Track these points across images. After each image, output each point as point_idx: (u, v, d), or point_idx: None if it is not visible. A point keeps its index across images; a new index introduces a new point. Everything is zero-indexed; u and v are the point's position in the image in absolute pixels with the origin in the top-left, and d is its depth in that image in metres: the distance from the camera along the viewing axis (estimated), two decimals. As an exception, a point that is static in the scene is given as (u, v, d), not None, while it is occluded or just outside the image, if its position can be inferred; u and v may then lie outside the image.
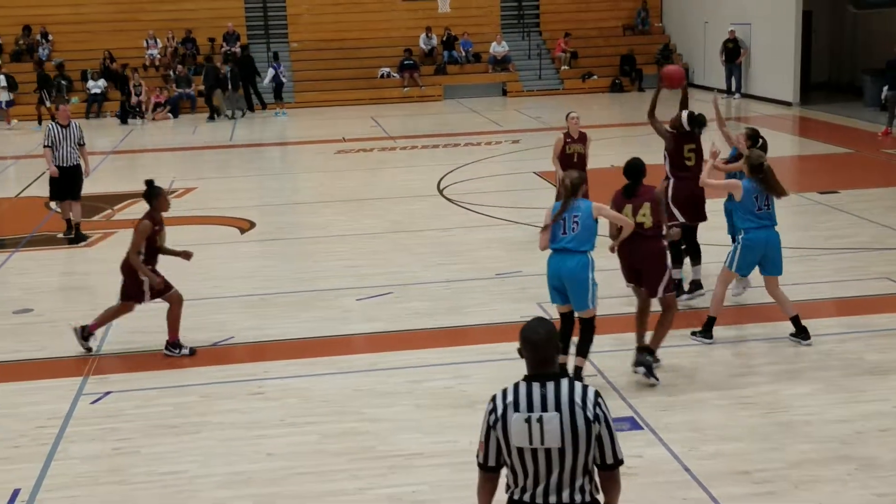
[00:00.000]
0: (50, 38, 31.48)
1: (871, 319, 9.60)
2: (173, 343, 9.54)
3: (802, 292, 10.17)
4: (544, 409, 4.20)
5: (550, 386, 4.24)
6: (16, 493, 6.92)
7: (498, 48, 32.33)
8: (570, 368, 8.12)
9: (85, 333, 9.69)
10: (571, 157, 12.64)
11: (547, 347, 4.28)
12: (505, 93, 31.89)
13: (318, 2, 32.79)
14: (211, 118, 28.16)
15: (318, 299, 11.19)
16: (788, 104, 26.64)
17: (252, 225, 15.03)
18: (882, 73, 22.16)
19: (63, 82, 29.08)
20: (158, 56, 31.23)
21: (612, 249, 8.54)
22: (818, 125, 23.85)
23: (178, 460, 7.35)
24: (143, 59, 31.07)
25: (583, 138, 12.82)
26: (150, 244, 9.48)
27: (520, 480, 4.31)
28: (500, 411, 4.27)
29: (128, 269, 9.54)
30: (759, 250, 8.92)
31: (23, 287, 12.14)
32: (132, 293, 9.56)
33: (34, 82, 29.45)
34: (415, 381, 8.47)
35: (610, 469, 4.31)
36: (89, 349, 9.63)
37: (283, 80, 29.49)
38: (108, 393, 8.66)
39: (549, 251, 8.13)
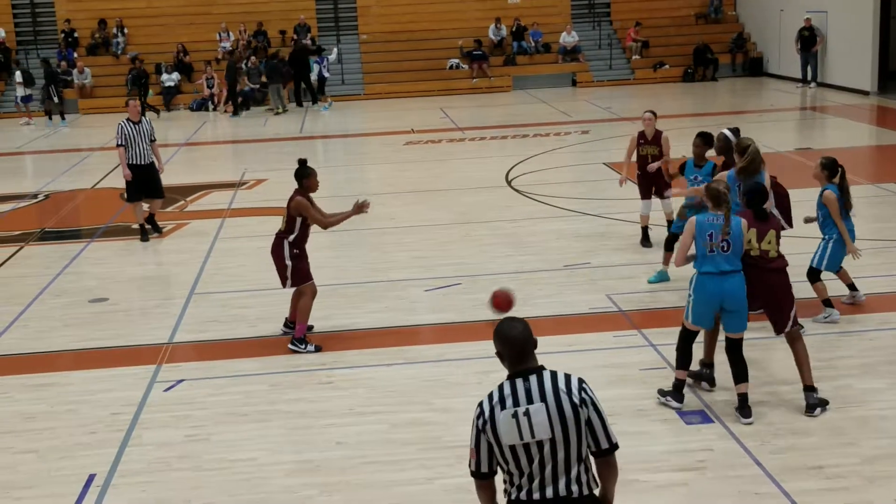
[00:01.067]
0: (126, 31, 32.04)
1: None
2: (300, 339, 9.42)
3: (881, 285, 9.95)
4: (530, 401, 4.19)
5: (533, 379, 4.24)
6: (91, 478, 7.08)
7: (568, 38, 32.11)
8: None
9: (298, 340, 9.43)
10: (646, 158, 12.11)
11: (525, 342, 4.30)
12: (575, 83, 31.69)
13: (388, -7, 32.93)
14: (236, 113, 28.20)
15: (387, 290, 11.24)
16: (866, 93, 26.06)
17: (322, 216, 15.10)
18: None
19: (140, 78, 29.45)
20: (231, 49, 31.60)
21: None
22: (897, 114, 23.31)
23: (248, 448, 7.44)
24: (215, 51, 31.47)
25: (657, 139, 12.11)
26: (303, 225, 9.53)
27: (515, 479, 4.29)
28: (487, 413, 4.26)
29: (282, 253, 9.48)
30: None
31: (98, 276, 12.38)
32: (303, 273, 9.51)
33: (112, 75, 30.10)
34: (483, 371, 8.46)
35: (605, 454, 4.30)
36: (318, 348, 9.40)
37: (327, 74, 29.59)
38: (180, 381, 8.80)
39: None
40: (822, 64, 28.41)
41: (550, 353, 8.89)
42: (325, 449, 7.37)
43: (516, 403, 4.21)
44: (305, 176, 9.55)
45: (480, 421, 4.29)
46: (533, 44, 32.51)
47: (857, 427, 7.23)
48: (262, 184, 17.95)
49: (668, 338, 9.13)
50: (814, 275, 9.42)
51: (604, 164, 17.90)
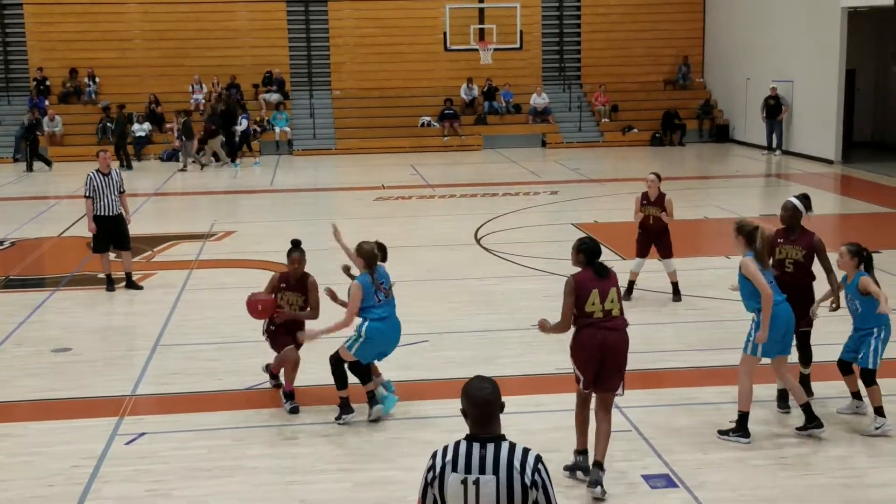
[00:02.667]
0: (97, 80, 32.06)
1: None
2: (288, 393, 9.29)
3: (837, 354, 10.02)
4: (482, 471, 4.14)
5: (490, 448, 4.18)
6: (48, 531, 6.94)
7: (538, 100, 32.50)
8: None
9: (288, 400, 9.27)
10: (647, 218, 12.57)
11: (491, 405, 4.25)
12: (544, 144, 32.01)
13: (361, 51, 33.19)
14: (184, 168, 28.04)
15: (354, 346, 11.16)
16: (830, 162, 26.49)
17: (290, 270, 15.07)
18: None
19: (109, 125, 29.54)
20: (203, 101, 31.68)
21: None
22: (860, 184, 23.70)
23: (211, 504, 7.34)
24: (188, 103, 31.53)
25: (660, 200, 12.45)
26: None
27: None
28: (437, 469, 4.22)
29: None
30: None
31: (62, 326, 12.25)
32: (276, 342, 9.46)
33: (83, 123, 30.08)
34: (449, 431, 8.41)
35: None
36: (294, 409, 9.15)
37: (251, 130, 29.74)
38: (142, 434, 8.69)
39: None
40: (787, 132, 28.89)
41: (517, 412, 8.88)
42: (287, 507, 7.28)
43: (468, 470, 4.17)
44: (287, 256, 9.54)
45: (430, 475, 4.25)
46: (504, 104, 32.87)
47: (821, 494, 7.24)
48: (230, 235, 17.91)
49: (634, 400, 9.16)
50: (870, 377, 8.42)
51: (572, 224, 18.02)
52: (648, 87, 34.02)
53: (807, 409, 8.23)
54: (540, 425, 8.64)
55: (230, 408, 9.35)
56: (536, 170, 26.70)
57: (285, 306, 9.53)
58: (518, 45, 29.51)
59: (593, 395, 7.55)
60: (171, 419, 9.09)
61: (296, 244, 9.63)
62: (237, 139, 29.32)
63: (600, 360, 7.37)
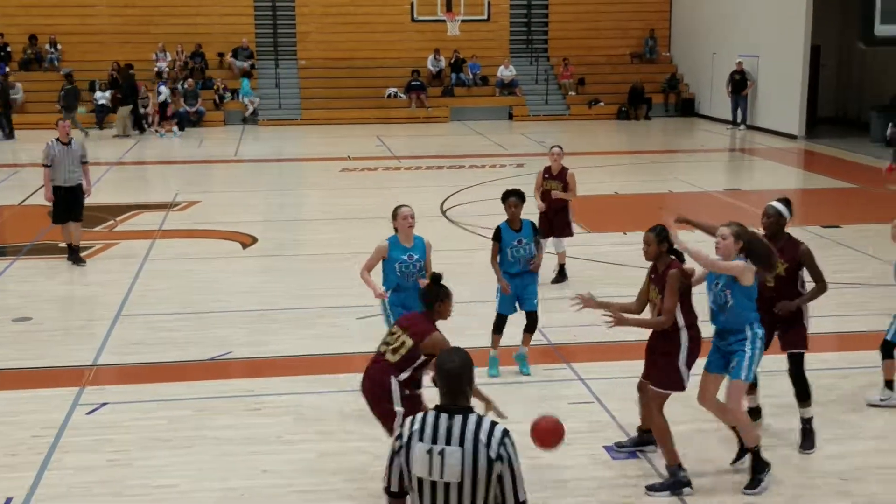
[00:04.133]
0: (59, 47, 31.58)
1: (873, 355, 9.55)
2: None
3: (820, 326, 10.13)
4: (448, 442, 4.16)
5: (458, 419, 4.20)
6: (8, 502, 6.88)
7: (505, 72, 32.42)
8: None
9: None
10: (548, 193, 12.20)
11: (460, 377, 4.25)
12: (511, 117, 31.96)
13: (327, 21, 32.92)
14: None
15: (319, 317, 11.17)
16: (794, 137, 26.67)
17: (254, 240, 15.02)
18: (889, 109, 22.19)
19: (68, 88, 28.94)
20: (167, 69, 31.32)
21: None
22: (823, 159, 23.87)
23: (172, 474, 7.31)
24: (151, 71, 31.15)
25: (562, 175, 12.18)
26: (422, 364, 6.83)
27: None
28: (405, 438, 4.24)
29: (389, 393, 6.82)
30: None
31: (22, 295, 12.11)
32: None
33: (44, 91, 29.63)
34: (412, 402, 8.42)
35: None
36: None
37: (169, 101, 29.47)
38: (104, 404, 8.62)
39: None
40: (752, 107, 29.04)
41: (480, 385, 8.90)
42: (250, 477, 7.26)
43: (434, 440, 4.18)
44: (440, 299, 6.92)
45: (397, 444, 4.28)
46: (471, 76, 32.77)
47: (778, 466, 7.32)
48: (194, 206, 17.76)
49: (597, 372, 9.22)
50: (889, 349, 8.43)
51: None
52: (615, 61, 34.01)
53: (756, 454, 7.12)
54: (504, 397, 8.65)
55: (192, 378, 9.31)
56: (503, 142, 26.67)
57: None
58: (486, 17, 29.40)
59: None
60: (133, 389, 9.03)
61: (437, 278, 7.12)
62: (146, 110, 29.04)
63: None
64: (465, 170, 21.83)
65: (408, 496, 4.33)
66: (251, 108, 30.79)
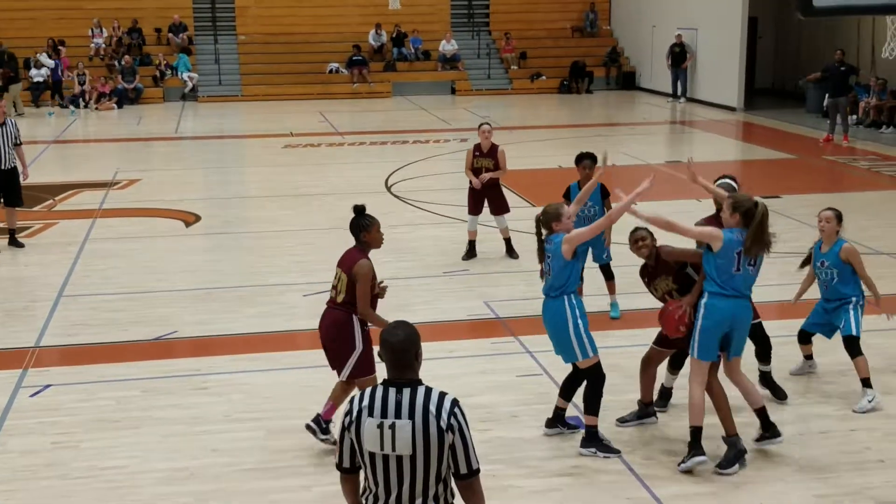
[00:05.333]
0: (-8, 23, 30.88)
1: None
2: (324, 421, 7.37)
3: (766, 294, 10.28)
4: (398, 416, 4.16)
5: (407, 392, 4.19)
6: (-49, 487, 6.79)
7: (447, 46, 32.34)
8: None
9: (323, 425, 7.32)
10: (479, 171, 12.01)
11: (405, 351, 4.24)
12: (454, 91, 31.91)
13: (267, -5, 32.56)
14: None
15: (264, 294, 11.11)
16: (733, 109, 26.98)
17: (197, 218, 14.88)
18: (824, 80, 22.53)
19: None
20: (104, 45, 30.79)
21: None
22: (762, 130, 24.20)
23: (119, 455, 7.25)
24: (88, 48, 30.60)
25: (492, 152, 11.99)
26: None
27: (372, 487, 4.28)
28: (354, 414, 4.24)
29: (351, 332, 7.05)
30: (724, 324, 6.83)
31: (-40, 277, 11.89)
32: (369, 363, 7.09)
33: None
34: (361, 377, 8.43)
35: (465, 479, 4.24)
36: (333, 442, 7.20)
37: (61, 77, 28.89)
38: (47, 386, 8.51)
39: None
40: (691, 80, 29.31)
41: (428, 359, 8.90)
42: (199, 456, 7.23)
43: (384, 415, 4.17)
44: (364, 229, 7.12)
45: (347, 419, 4.26)
46: (413, 50, 32.64)
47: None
48: (135, 184, 17.52)
49: (544, 344, 9.28)
50: (855, 346, 7.99)
51: (482, 172, 18.05)
52: (556, 35, 34.09)
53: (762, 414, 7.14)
54: (452, 370, 8.71)
55: (137, 358, 9.21)
56: (446, 117, 26.64)
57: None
58: (426, -9, 29.29)
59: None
60: (77, 371, 8.92)
61: (360, 210, 7.21)
62: (83, 87, 28.55)
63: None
64: (408, 145, 21.79)
65: (360, 472, 4.34)
66: (190, 85, 30.40)
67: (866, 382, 7.89)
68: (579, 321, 7.04)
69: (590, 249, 9.89)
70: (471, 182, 12.13)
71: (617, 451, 7.11)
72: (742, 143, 23.23)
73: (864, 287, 8.10)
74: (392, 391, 4.20)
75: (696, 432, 6.87)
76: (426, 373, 8.62)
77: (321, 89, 30.92)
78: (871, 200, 15.77)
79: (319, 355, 9.13)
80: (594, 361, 7.12)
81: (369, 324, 7.07)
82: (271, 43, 32.03)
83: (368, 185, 17.15)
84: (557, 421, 7.47)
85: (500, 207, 12.24)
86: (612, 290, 10.26)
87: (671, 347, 7.46)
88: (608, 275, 10.25)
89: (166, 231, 14.27)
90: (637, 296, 10.67)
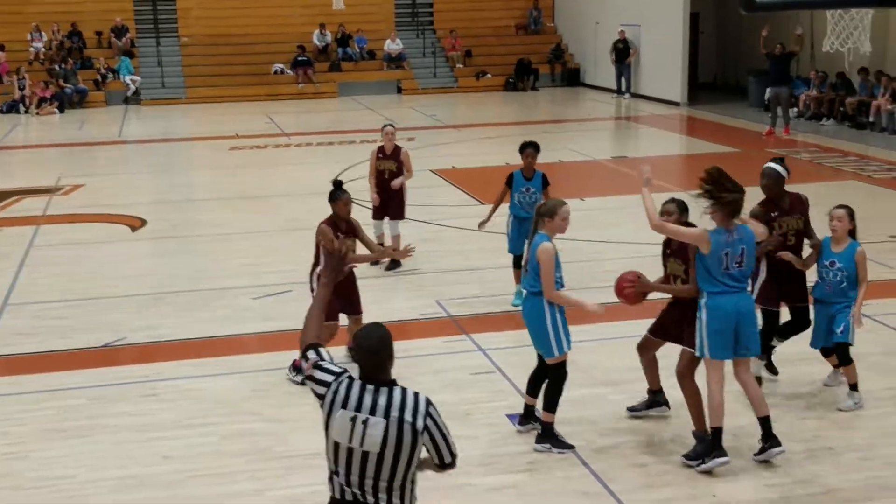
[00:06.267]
0: (-74, 28, 30.29)
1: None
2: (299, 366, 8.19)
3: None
4: (373, 413, 4.18)
5: (383, 391, 4.21)
6: None
7: (392, 45, 32.29)
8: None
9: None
10: (383, 173, 11.90)
11: (379, 354, 4.26)
12: (400, 90, 31.87)
13: (209, -4, 32.26)
14: None
15: (214, 298, 11.01)
16: (676, 104, 27.25)
17: (143, 223, 14.71)
18: (765, 74, 22.83)
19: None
20: (44, 50, 30.32)
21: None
22: (705, 124, 24.46)
23: (69, 464, 7.15)
24: (27, 52, 30.12)
25: (396, 154, 11.90)
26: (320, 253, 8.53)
27: (335, 478, 4.31)
28: (329, 399, 4.25)
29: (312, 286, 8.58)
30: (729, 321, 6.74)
31: None
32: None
33: None
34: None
35: (449, 467, 4.38)
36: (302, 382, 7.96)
37: None
38: (-7, 397, 8.38)
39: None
40: (635, 76, 29.55)
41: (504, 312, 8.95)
42: (150, 464, 7.15)
43: (359, 409, 4.19)
44: (332, 200, 8.73)
45: (328, 398, 4.25)
46: (358, 50, 32.55)
47: (676, 428, 7.52)
48: (78, 189, 17.28)
49: (497, 342, 9.32)
50: (847, 353, 7.82)
51: (430, 170, 18.07)
52: (501, 32, 34.19)
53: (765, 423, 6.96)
54: (405, 371, 8.68)
55: (86, 366, 9.09)
56: (392, 116, 26.52)
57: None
58: (370, -10, 29.21)
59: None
60: (25, 380, 8.78)
61: (339, 185, 8.86)
62: (23, 92, 27.99)
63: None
64: (355, 145, 21.71)
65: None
66: (133, 88, 30.03)
67: (854, 387, 7.80)
68: (557, 317, 7.06)
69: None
70: (377, 183, 11.89)
71: (571, 447, 7.15)
72: (686, 138, 23.49)
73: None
74: (369, 388, 4.22)
75: (716, 433, 6.79)
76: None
77: (266, 90, 30.71)
78: (812, 192, 15.95)
79: (271, 358, 9.12)
80: (562, 359, 7.14)
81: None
82: (215, 44, 31.75)
83: (317, 185, 17.03)
84: (530, 417, 7.51)
85: (398, 212, 12.05)
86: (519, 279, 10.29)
87: (663, 338, 7.41)
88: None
89: (112, 237, 14.09)
90: (587, 291, 10.77)
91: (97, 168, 20.17)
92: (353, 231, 8.71)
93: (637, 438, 7.33)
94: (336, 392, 4.25)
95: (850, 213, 7.80)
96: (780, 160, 8.10)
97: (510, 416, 7.72)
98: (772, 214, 7.89)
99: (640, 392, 7.86)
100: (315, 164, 19.53)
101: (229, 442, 7.46)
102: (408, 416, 4.18)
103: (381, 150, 12.02)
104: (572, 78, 33.11)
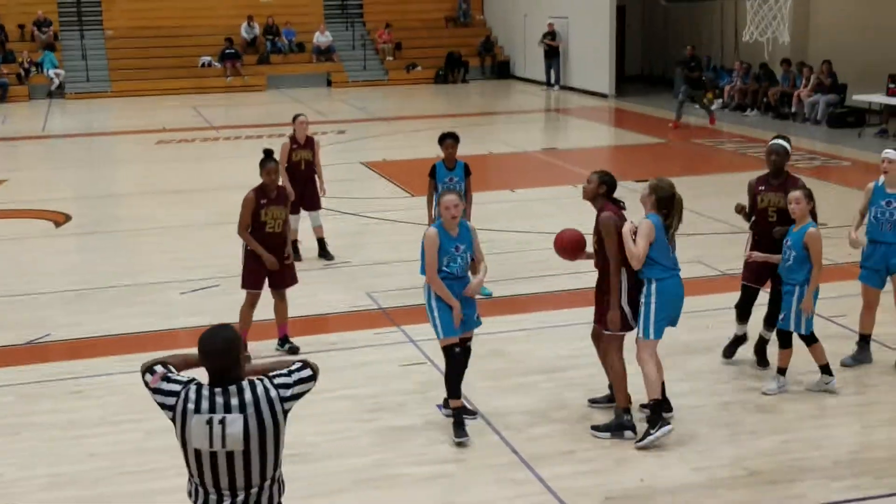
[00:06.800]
0: None
1: (686, 301, 10.03)
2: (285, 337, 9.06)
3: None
4: (227, 411, 4.08)
5: (233, 389, 4.12)
6: None
7: (322, 38, 32.12)
8: None
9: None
10: (299, 164, 11.63)
11: (222, 355, 4.16)
12: (330, 83, 31.72)
13: (134, -13, 31.75)
14: None
15: (140, 293, 10.87)
16: (605, 96, 27.53)
17: (68, 218, 14.46)
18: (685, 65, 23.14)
19: None
20: (-38, 42, 29.64)
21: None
22: (632, 116, 24.76)
23: (-4, 463, 7.02)
24: (-56, 44, 29.42)
25: (310, 143, 11.76)
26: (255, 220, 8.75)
27: (200, 490, 4.19)
28: (179, 409, 4.13)
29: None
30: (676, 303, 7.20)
31: None
32: (248, 278, 8.89)
33: None
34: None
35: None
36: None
37: None
38: (-86, 397, 8.18)
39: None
40: (564, 68, 29.77)
41: (312, 352, 8.90)
42: (77, 461, 7.04)
43: (213, 411, 4.08)
44: (260, 166, 8.93)
45: (178, 408, 4.12)
46: (286, 43, 32.31)
47: (602, 413, 7.61)
48: (1, 185, 16.92)
49: (428, 333, 9.32)
50: (788, 339, 7.82)
51: (360, 163, 18.03)
52: (431, 25, 34.21)
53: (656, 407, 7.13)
54: (336, 363, 8.68)
55: (10, 363, 8.92)
56: (323, 109, 26.47)
57: (270, 222, 8.80)
58: (298, -18, 29.02)
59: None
60: (-55, 380, 8.59)
61: (268, 153, 9.08)
62: None
63: None
64: (284, 138, 21.49)
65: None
66: (57, 82, 29.48)
67: (783, 371, 7.86)
68: (434, 302, 7.23)
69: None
70: (290, 174, 11.55)
71: (465, 435, 7.14)
72: (614, 129, 23.75)
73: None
74: (218, 391, 4.12)
75: (658, 405, 7.06)
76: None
77: (194, 83, 30.36)
78: (738, 181, 16.27)
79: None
80: (445, 343, 7.24)
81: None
82: (140, 37, 31.30)
83: (245, 178, 16.84)
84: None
85: (314, 203, 11.87)
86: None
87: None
88: None
89: (36, 232, 13.83)
90: (516, 281, 10.85)
91: (20, 163, 19.77)
92: (282, 200, 8.94)
93: (565, 427, 7.40)
94: (187, 398, 4.14)
95: (807, 195, 7.66)
96: (786, 138, 8.34)
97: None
98: (759, 188, 8.14)
99: (574, 380, 7.96)
100: (243, 158, 19.29)
101: (156, 437, 7.36)
102: (264, 407, 4.10)
103: (293, 140, 11.73)
104: (502, 70, 33.26)
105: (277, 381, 4.19)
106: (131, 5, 31.74)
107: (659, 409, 7.10)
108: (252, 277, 8.83)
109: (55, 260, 12.42)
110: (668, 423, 7.09)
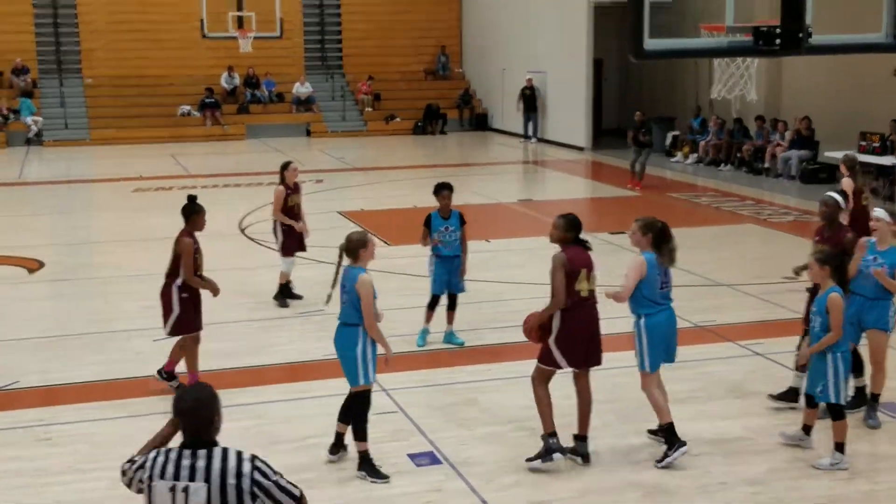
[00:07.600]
0: None
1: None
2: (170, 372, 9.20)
3: (602, 328, 10.55)
4: (192, 478, 4.06)
5: (202, 454, 4.10)
6: None
7: (301, 89, 32.32)
8: None
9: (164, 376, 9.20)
10: (293, 209, 12.22)
11: (195, 414, 4.16)
12: (309, 133, 31.87)
13: (114, 36, 31.86)
14: None
15: (111, 341, 10.82)
16: (581, 149, 27.75)
17: (41, 265, 14.39)
18: (663, 121, 23.38)
19: None
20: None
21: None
22: (608, 169, 24.94)
23: (-42, 512, 6.92)
24: (-77, 91, 29.40)
25: (298, 189, 12.44)
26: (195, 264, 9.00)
27: None
28: (146, 475, 4.15)
29: (170, 298, 8.94)
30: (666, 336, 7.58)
31: None
32: (186, 323, 9.02)
33: None
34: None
35: None
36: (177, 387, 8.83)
37: None
38: None
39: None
40: (542, 121, 30.03)
41: (282, 400, 8.87)
42: (42, 510, 6.96)
43: (177, 477, 4.07)
44: (195, 213, 9.16)
45: (142, 473, 4.15)
46: (266, 93, 32.49)
47: (657, 447, 7.60)
48: (-26, 231, 16.84)
49: (399, 381, 9.31)
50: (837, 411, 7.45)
51: (337, 212, 18.07)
52: (410, 77, 34.50)
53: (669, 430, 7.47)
54: (308, 411, 8.64)
55: (-23, 411, 8.82)
56: (301, 158, 26.44)
57: (202, 266, 9.24)
58: (278, 34, 29.14)
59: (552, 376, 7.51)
60: None
61: (192, 199, 9.51)
62: None
63: (591, 337, 7.49)
64: (263, 187, 21.56)
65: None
66: (35, 129, 29.47)
67: (840, 447, 7.41)
68: (368, 349, 7.35)
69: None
70: (292, 224, 12.14)
71: (385, 477, 7.29)
72: (590, 181, 23.91)
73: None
74: (187, 453, 4.10)
75: (670, 427, 7.39)
76: (279, 413, 8.57)
77: (173, 132, 30.42)
78: (712, 235, 16.45)
79: (169, 400, 8.95)
80: (366, 388, 7.39)
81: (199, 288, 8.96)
82: (120, 86, 31.40)
83: (222, 227, 16.92)
84: (339, 445, 7.67)
85: (303, 245, 12.49)
86: (450, 319, 10.56)
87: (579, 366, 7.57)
88: (453, 305, 10.53)
89: (8, 278, 13.75)
90: (488, 331, 10.86)
91: (-5, 209, 19.68)
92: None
93: (535, 477, 7.38)
94: (154, 463, 4.14)
95: (821, 260, 7.40)
96: (841, 192, 8.75)
97: (412, 456, 7.71)
98: (815, 238, 8.60)
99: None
100: (221, 206, 19.32)
101: (122, 486, 7.27)
102: (231, 479, 4.04)
103: (287, 187, 12.23)
104: (480, 122, 33.53)
105: (259, 464, 4.14)
106: (111, 54, 31.86)
107: (673, 431, 7.36)
108: (188, 321, 9.06)
109: (27, 306, 12.34)
110: (685, 444, 7.34)
